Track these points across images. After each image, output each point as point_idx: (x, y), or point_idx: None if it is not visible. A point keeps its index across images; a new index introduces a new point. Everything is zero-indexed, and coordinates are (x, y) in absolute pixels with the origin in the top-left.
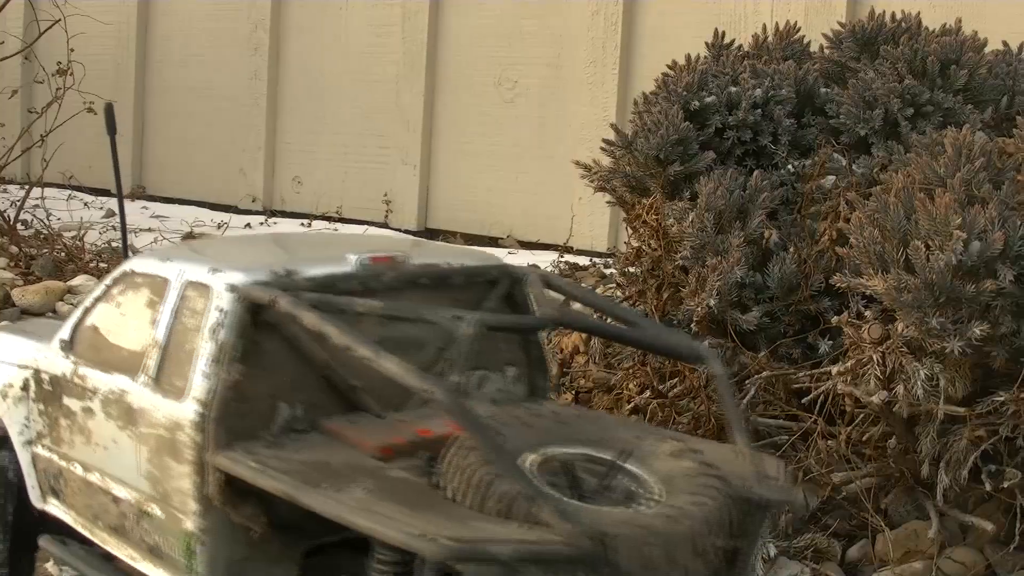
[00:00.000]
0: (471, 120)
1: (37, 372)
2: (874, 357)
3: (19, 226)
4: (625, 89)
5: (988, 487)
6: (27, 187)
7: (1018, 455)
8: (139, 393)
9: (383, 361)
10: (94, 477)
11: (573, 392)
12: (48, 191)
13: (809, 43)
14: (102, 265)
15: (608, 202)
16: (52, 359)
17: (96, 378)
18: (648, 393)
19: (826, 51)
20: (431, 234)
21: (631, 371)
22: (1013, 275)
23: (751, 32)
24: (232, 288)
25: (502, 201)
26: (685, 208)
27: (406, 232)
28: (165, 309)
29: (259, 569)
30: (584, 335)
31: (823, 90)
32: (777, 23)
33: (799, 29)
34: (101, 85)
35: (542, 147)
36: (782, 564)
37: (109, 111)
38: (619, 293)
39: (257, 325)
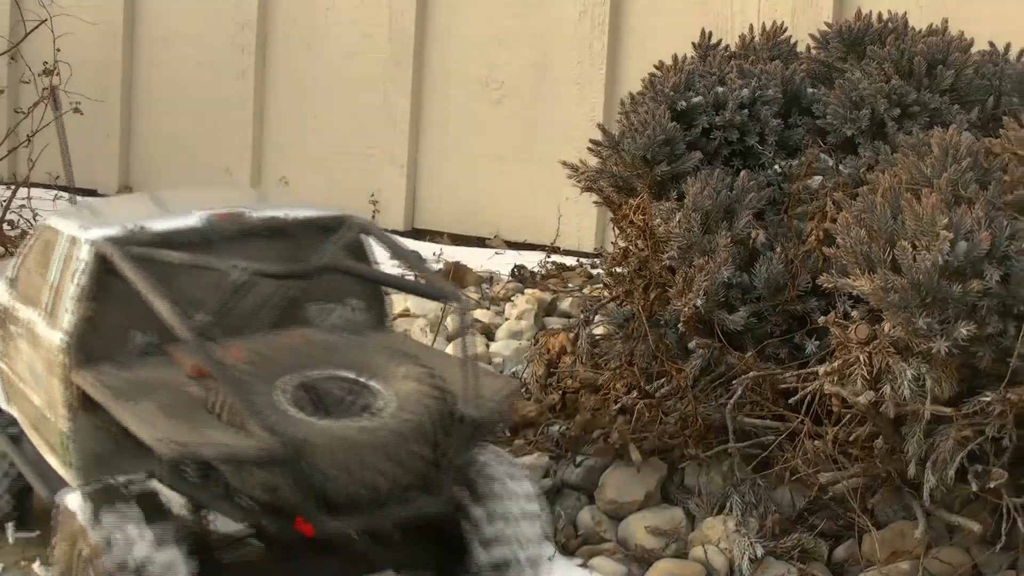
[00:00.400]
0: (458, 120)
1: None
2: (861, 357)
3: (5, 226)
4: (612, 89)
5: (975, 487)
6: (13, 187)
7: (1004, 455)
8: (40, 324)
9: (158, 304)
10: (23, 386)
11: (560, 392)
12: (34, 191)
13: (796, 43)
14: None
15: (595, 202)
16: (2, 293)
17: (22, 310)
18: (635, 393)
19: (813, 51)
20: (418, 234)
21: (618, 371)
22: (999, 275)
23: (738, 32)
24: (90, 242)
25: (489, 201)
26: (672, 208)
27: (393, 232)
28: (56, 258)
29: (126, 461)
30: (572, 337)
31: (810, 90)
32: (764, 23)
33: (786, 29)
34: (88, 85)
35: (529, 147)
36: (769, 564)
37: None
38: (606, 293)
39: (111, 271)
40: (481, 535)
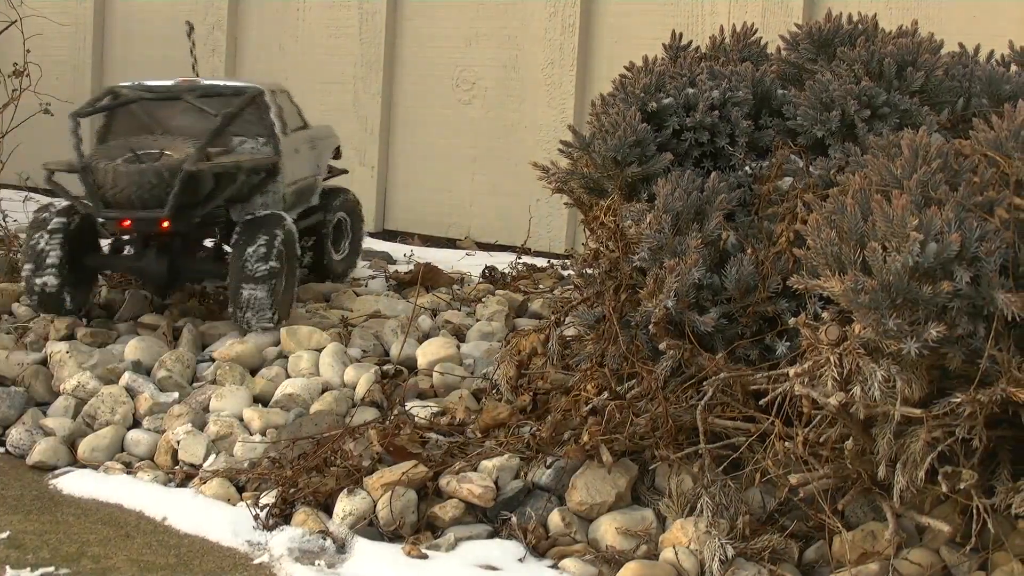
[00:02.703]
0: (429, 121)
1: None
2: (831, 359)
3: None
4: (583, 91)
5: (944, 488)
6: None
7: (974, 456)
8: None
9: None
10: None
11: (531, 394)
12: (4, 192)
13: (766, 44)
14: None
15: (566, 204)
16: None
17: None
18: (606, 394)
19: (783, 52)
20: (389, 235)
21: (589, 373)
22: (969, 277)
23: (708, 33)
24: (112, 88)
25: (460, 202)
26: (643, 210)
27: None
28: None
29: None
30: (542, 338)
31: (780, 92)
32: (734, 24)
33: (756, 30)
34: (58, 86)
35: (500, 148)
36: (740, 565)
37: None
38: (577, 294)
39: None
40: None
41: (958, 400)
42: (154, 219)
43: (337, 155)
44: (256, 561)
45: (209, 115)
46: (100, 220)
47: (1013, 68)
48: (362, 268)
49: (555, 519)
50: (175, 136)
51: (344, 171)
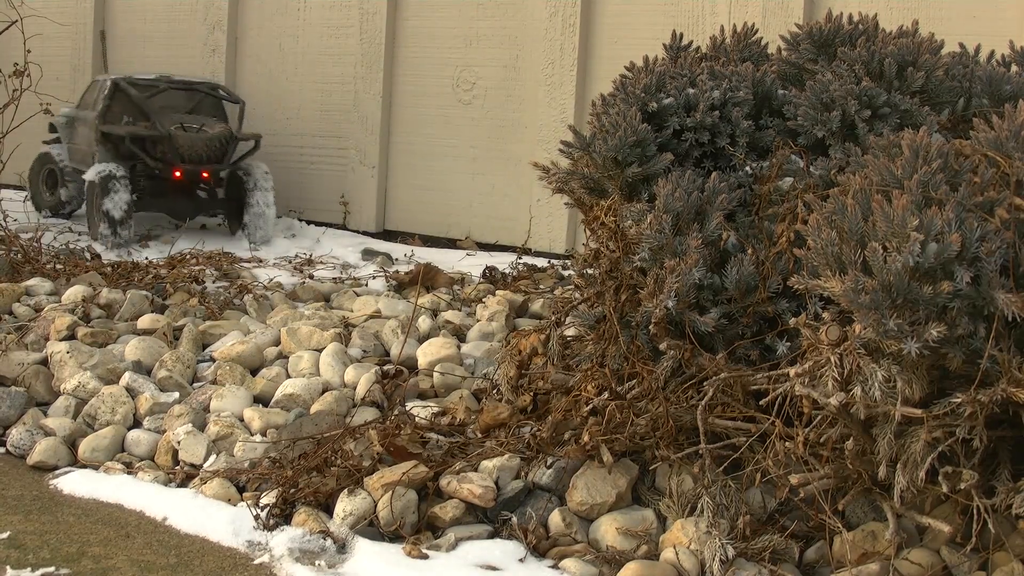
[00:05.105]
0: (429, 121)
1: None
2: (831, 359)
3: None
4: (583, 91)
5: (945, 488)
6: None
7: (975, 456)
8: (91, 112)
9: (140, 103)
10: (80, 149)
11: (531, 394)
12: (5, 192)
13: (767, 45)
14: (58, 267)
15: (566, 204)
16: (72, 110)
17: (83, 112)
18: (606, 395)
19: (783, 53)
20: (389, 235)
21: (589, 372)
22: (970, 277)
23: (709, 33)
24: (111, 79)
25: (460, 202)
26: (643, 210)
27: (364, 233)
28: (99, 86)
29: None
30: (543, 338)
31: (780, 92)
32: (735, 24)
33: (756, 31)
34: (58, 86)
35: (500, 148)
36: (740, 565)
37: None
38: (577, 295)
39: (120, 90)
40: (250, 199)
41: (958, 400)
42: (216, 169)
43: None
44: (256, 561)
45: (196, 98)
46: (176, 170)
47: (1014, 68)
48: (363, 268)
49: (555, 519)
50: (199, 115)
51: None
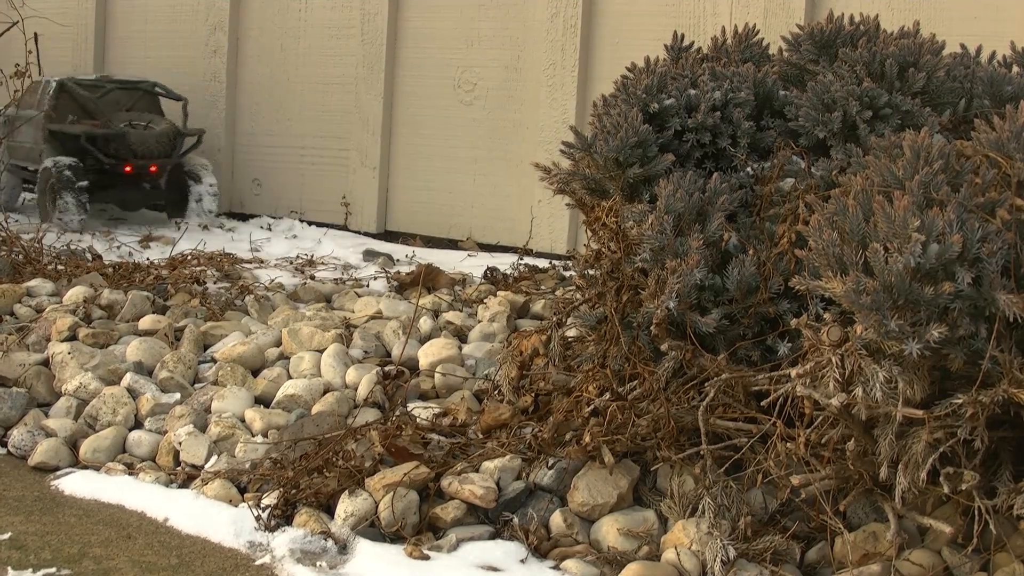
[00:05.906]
0: (430, 122)
1: None
2: (833, 359)
3: None
4: (584, 91)
5: (946, 489)
6: None
7: (976, 457)
8: (39, 113)
9: (84, 103)
10: (21, 146)
11: (533, 394)
12: None
13: (768, 45)
14: (59, 267)
15: (567, 204)
16: (14, 109)
17: (27, 112)
18: (608, 395)
19: (785, 53)
20: (390, 236)
21: (590, 373)
22: (971, 278)
23: (710, 34)
24: (55, 79)
25: (461, 203)
26: (644, 211)
27: (365, 234)
28: (42, 88)
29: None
30: (544, 339)
31: (782, 92)
32: (736, 25)
33: (758, 31)
34: None
35: (501, 149)
36: (741, 566)
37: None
38: (579, 295)
39: (64, 90)
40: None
41: (960, 401)
42: (164, 163)
43: None
44: (258, 562)
45: (136, 95)
46: (127, 166)
47: (1015, 69)
48: (365, 269)
49: (557, 520)
50: (139, 111)
51: None
